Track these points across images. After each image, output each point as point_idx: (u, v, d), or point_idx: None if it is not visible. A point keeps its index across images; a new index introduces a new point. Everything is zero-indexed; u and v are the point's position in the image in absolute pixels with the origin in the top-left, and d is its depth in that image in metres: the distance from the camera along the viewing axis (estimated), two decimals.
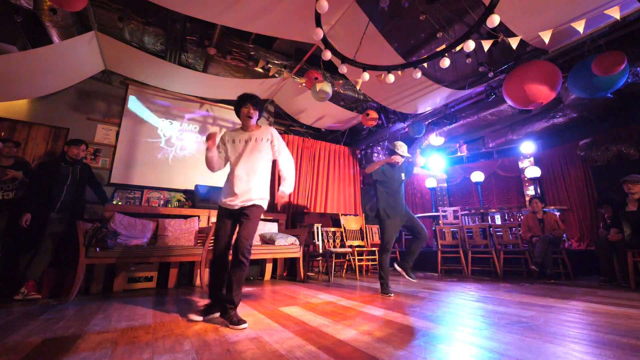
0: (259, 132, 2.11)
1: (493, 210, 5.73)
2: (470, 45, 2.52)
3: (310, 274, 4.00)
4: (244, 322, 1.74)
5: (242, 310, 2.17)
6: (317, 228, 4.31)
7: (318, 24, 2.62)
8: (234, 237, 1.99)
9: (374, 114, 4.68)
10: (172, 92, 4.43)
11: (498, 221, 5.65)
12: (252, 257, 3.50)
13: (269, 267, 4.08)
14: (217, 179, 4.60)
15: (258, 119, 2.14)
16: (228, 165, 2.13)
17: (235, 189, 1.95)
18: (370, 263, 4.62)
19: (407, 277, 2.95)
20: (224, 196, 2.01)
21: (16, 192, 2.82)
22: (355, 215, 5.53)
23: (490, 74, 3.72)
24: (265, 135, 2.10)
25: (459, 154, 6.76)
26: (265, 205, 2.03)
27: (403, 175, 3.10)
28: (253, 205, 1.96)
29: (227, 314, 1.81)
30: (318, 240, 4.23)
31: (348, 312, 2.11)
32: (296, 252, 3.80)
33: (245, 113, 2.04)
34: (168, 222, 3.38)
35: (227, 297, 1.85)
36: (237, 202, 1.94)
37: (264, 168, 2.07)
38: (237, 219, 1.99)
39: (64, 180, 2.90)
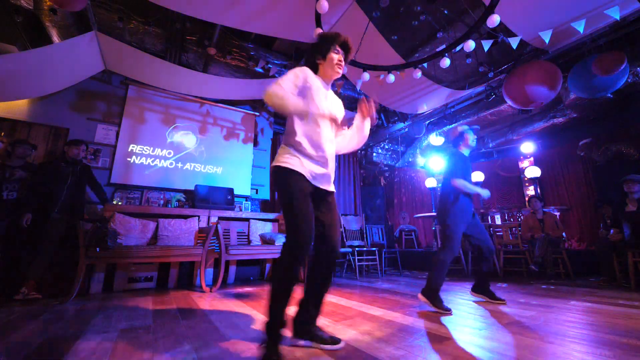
0: (336, 96, 1.57)
1: (493, 210, 5.73)
2: (470, 45, 2.53)
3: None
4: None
5: (242, 310, 2.17)
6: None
7: (318, 24, 2.62)
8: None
9: None
10: (172, 92, 4.43)
11: (498, 221, 5.64)
12: (253, 257, 3.55)
13: (269, 267, 4.08)
14: (217, 179, 4.60)
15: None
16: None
17: (327, 153, 1.38)
18: (370, 263, 4.61)
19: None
20: (309, 160, 1.35)
21: (19, 192, 2.83)
22: (355, 215, 5.53)
23: (490, 74, 3.72)
24: (339, 103, 1.59)
25: None
26: None
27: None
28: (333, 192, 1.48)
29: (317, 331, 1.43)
30: None
31: (348, 312, 2.11)
32: None
33: (335, 60, 1.43)
34: (168, 222, 3.38)
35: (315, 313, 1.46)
36: (324, 176, 1.39)
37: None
38: (319, 201, 1.42)
39: (64, 180, 2.90)
